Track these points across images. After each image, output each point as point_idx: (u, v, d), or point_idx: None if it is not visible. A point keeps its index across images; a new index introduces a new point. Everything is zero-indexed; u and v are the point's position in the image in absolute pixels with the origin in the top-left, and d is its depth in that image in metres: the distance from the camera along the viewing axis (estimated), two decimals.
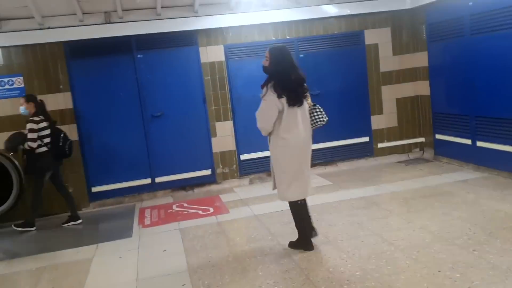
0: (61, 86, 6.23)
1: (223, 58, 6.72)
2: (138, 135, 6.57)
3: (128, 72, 6.45)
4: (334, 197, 5.64)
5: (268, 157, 4.15)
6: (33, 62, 6.11)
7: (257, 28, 6.77)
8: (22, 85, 6.08)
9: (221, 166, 6.87)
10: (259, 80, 3.89)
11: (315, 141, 4.16)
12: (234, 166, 6.93)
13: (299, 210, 3.97)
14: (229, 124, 6.83)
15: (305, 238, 4.00)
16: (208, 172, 6.84)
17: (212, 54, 6.68)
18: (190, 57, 6.63)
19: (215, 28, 6.58)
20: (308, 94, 3.91)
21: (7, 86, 6.03)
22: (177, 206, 6.04)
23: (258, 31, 6.79)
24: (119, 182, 6.55)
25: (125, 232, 5.17)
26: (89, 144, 6.43)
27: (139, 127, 6.56)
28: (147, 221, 5.51)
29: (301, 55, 6.94)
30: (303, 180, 3.87)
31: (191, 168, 6.76)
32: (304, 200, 3.99)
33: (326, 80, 7.04)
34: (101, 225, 5.72)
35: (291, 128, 3.76)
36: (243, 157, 6.94)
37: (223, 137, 6.84)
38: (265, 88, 3.75)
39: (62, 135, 5.57)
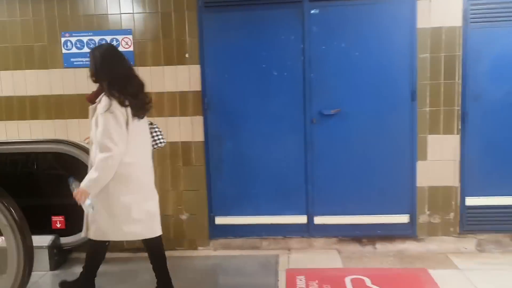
0: (186, 55, 3.96)
1: (459, 22, 3.75)
2: (293, 144, 3.98)
3: (291, 38, 3.89)
4: None
5: None
6: (149, 14, 3.94)
7: None
8: (131, 48, 3.93)
9: (427, 212, 3.95)
10: None
11: None
12: (452, 214, 3.94)
13: (103, 251, 3.04)
14: (453, 140, 3.86)
15: (91, 280, 3.08)
16: (403, 218, 3.98)
17: (439, 13, 3.76)
18: (398, 17, 3.81)
19: None
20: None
21: None
22: (353, 283, 3.31)
23: None
24: (256, 215, 4.09)
25: None
26: (217, 150, 4.07)
27: (298, 130, 3.96)
28: None
29: None
30: (148, 216, 2.88)
31: (374, 209, 3.98)
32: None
33: None
34: None
35: (137, 149, 2.83)
36: (472, 201, 3.91)
37: (439, 162, 3.88)
38: (104, 99, 2.72)
39: None
